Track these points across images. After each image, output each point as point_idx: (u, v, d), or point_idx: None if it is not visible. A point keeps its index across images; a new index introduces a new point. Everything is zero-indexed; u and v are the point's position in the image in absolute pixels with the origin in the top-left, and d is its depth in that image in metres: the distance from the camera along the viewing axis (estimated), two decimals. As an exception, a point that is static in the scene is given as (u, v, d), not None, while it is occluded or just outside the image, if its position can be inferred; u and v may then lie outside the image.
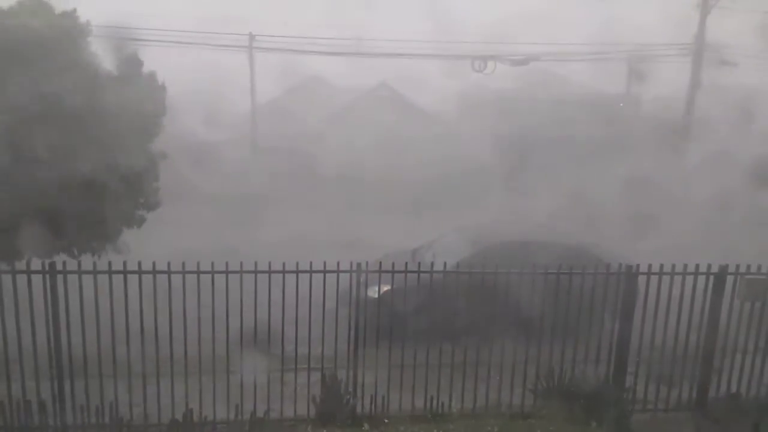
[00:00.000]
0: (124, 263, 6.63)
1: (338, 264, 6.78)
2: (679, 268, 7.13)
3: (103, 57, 8.62)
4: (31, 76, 7.41)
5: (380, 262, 7.36)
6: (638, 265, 7.31)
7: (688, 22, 21.80)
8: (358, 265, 6.93)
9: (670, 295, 7.11)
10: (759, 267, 7.30)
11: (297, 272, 6.68)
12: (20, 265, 6.67)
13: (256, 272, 6.61)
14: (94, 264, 6.72)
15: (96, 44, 8.55)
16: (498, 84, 25.16)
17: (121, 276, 6.47)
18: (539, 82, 26.64)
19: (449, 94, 26.73)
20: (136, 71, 8.61)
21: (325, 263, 6.73)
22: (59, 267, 6.54)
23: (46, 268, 6.50)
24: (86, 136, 7.68)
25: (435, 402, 7.13)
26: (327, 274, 6.80)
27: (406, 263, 7.21)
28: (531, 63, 23.92)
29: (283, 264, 6.61)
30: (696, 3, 21.62)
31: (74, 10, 8.28)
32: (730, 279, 7.26)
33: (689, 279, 7.16)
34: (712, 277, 7.23)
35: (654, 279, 7.14)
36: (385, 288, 7.28)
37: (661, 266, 7.14)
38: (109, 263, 6.70)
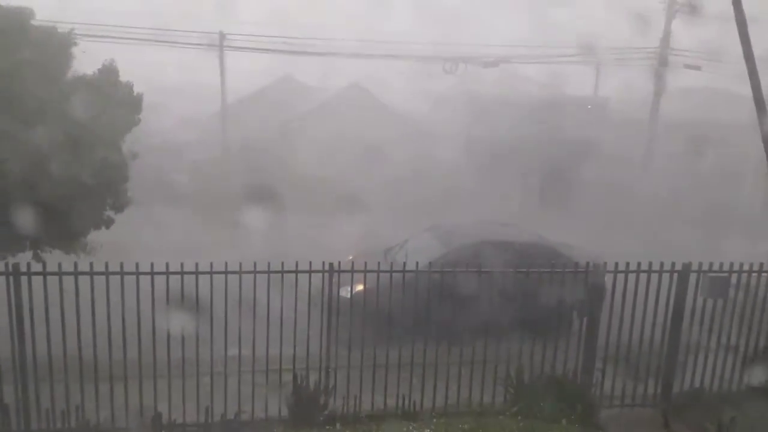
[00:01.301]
0: (91, 264, 6.51)
1: (310, 264, 6.76)
2: (644, 267, 7.30)
3: (79, 59, 8.53)
4: None
5: (352, 262, 7.37)
6: (605, 263, 7.46)
7: (654, 27, 22.31)
8: (330, 264, 6.92)
9: (636, 292, 7.27)
10: (721, 264, 7.51)
11: (268, 272, 6.64)
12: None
13: (226, 273, 6.54)
14: (59, 265, 6.58)
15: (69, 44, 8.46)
16: (469, 85, 25.40)
17: (88, 277, 6.35)
18: (509, 83, 26.98)
19: (420, 95, 26.89)
20: (112, 78, 8.54)
21: (297, 263, 6.71)
22: (23, 268, 6.40)
23: (10, 269, 6.34)
24: (56, 134, 7.56)
25: (407, 401, 7.16)
26: (299, 274, 6.78)
27: (378, 263, 7.23)
28: (501, 65, 24.20)
29: (254, 264, 6.56)
30: (662, 8, 22.14)
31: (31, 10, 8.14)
32: (693, 277, 7.46)
33: (654, 277, 7.33)
34: (675, 275, 7.42)
35: (620, 277, 7.30)
36: (358, 288, 7.29)
37: (627, 264, 7.31)
38: (75, 264, 6.57)
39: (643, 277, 7.30)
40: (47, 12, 8.26)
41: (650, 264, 7.31)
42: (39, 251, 8.36)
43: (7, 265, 6.47)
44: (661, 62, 22.20)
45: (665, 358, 7.62)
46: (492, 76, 25.49)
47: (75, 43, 8.37)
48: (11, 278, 6.28)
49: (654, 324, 7.39)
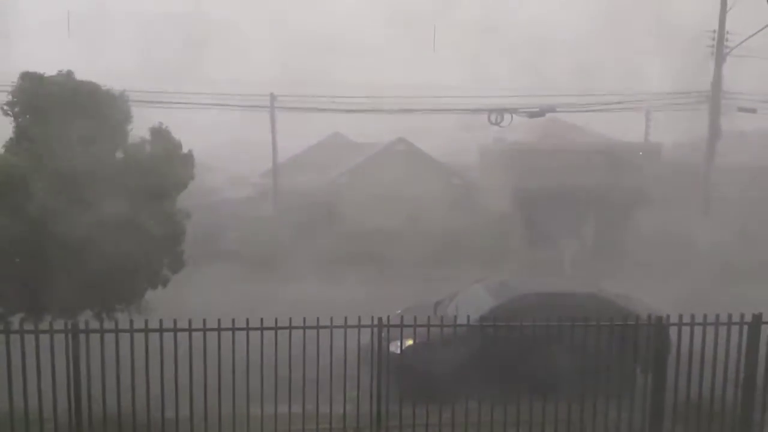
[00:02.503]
0: (146, 321, 6.64)
1: (359, 318, 6.69)
2: (711, 318, 6.91)
3: (137, 122, 9.02)
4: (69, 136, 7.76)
5: (402, 316, 7.25)
6: (668, 316, 7.10)
7: (703, 71, 21.92)
8: (380, 319, 6.83)
9: (703, 346, 6.87)
10: (795, 316, 7.04)
11: (317, 328, 6.60)
12: (43, 324, 6.71)
13: (276, 329, 6.55)
14: (116, 323, 6.73)
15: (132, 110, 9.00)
16: (515, 136, 25.37)
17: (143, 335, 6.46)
18: (557, 133, 26.81)
19: (467, 148, 27.00)
20: (164, 138, 8.94)
21: (346, 318, 6.65)
22: (81, 326, 6.57)
23: (69, 327, 6.52)
24: (117, 197, 7.94)
25: (462, 462, 6.86)
26: (348, 330, 6.71)
27: (428, 317, 7.09)
28: (548, 114, 24.11)
29: (304, 319, 6.54)
30: (710, 52, 21.80)
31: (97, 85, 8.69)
32: (765, 329, 7.01)
33: (723, 329, 6.92)
34: (746, 327, 6.98)
35: (686, 330, 6.92)
36: (408, 343, 7.15)
37: (692, 316, 6.94)
38: (131, 321, 6.71)
39: (711, 329, 6.90)
40: (102, 76, 8.78)
41: (717, 316, 6.92)
42: (103, 312, 8.58)
43: (66, 323, 6.66)
44: (714, 106, 21.69)
45: (739, 416, 7.09)
46: (539, 125, 25.43)
47: (129, 107, 8.83)
48: (69, 336, 6.45)
49: (725, 380, 6.93)
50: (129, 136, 8.73)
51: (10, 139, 8.32)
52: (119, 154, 8.61)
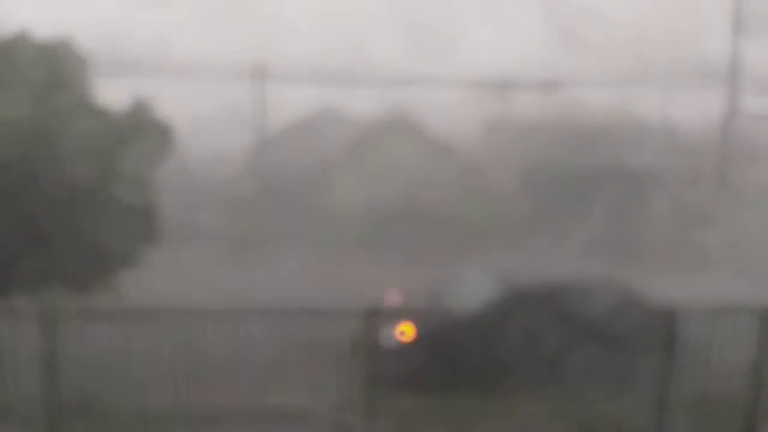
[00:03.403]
0: (124, 306, 6.65)
1: (349, 305, 6.70)
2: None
3: (109, 91, 8.92)
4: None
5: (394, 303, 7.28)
6: (677, 305, 7.14)
7: (721, 49, 21.81)
8: (370, 307, 6.83)
9: (715, 337, 6.93)
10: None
11: (304, 313, 6.61)
12: (15, 306, 6.73)
13: (258, 314, 6.56)
14: (93, 307, 6.74)
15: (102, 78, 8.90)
16: (523, 112, 25.27)
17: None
18: (567, 109, 26.69)
19: (472, 124, 26.92)
20: (142, 111, 8.85)
21: (334, 304, 6.66)
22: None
23: (43, 310, 6.53)
24: (87, 169, 7.88)
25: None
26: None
27: (424, 305, 7.11)
28: (558, 90, 24.00)
29: (290, 305, 6.55)
30: (729, 29, 21.66)
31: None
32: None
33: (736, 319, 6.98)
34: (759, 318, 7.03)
35: (696, 320, 6.98)
36: (401, 332, 7.17)
37: (703, 306, 6.99)
38: (109, 306, 6.72)
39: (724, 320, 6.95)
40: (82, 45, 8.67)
41: (728, 306, 6.97)
42: (73, 291, 8.56)
43: (41, 308, 6.66)
44: (732, 85, 21.61)
45: (750, 410, 7.17)
46: (549, 102, 25.30)
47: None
48: (44, 320, 6.45)
49: (735, 371, 7.01)
50: (88, 99, 8.62)
51: None
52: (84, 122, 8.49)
